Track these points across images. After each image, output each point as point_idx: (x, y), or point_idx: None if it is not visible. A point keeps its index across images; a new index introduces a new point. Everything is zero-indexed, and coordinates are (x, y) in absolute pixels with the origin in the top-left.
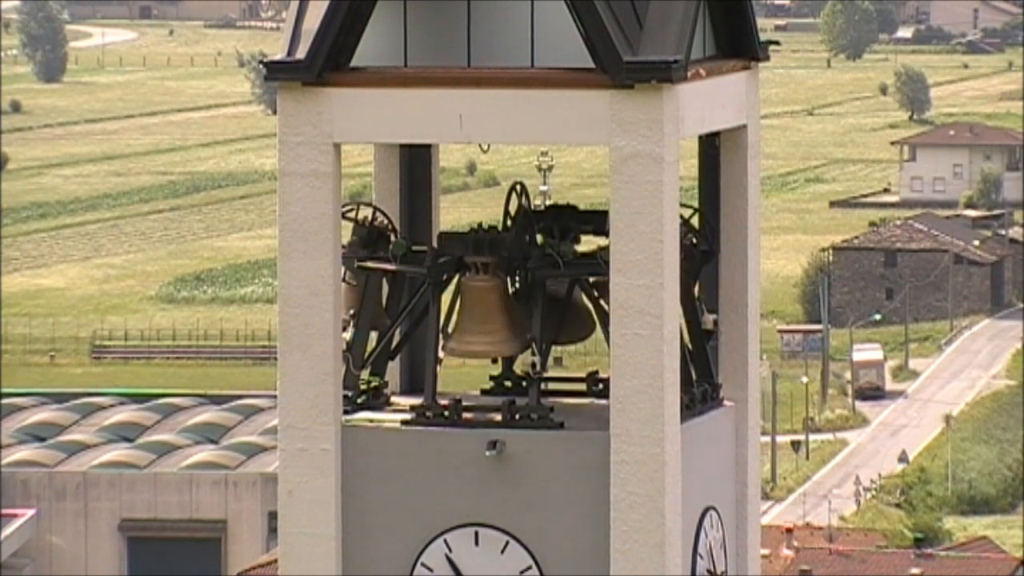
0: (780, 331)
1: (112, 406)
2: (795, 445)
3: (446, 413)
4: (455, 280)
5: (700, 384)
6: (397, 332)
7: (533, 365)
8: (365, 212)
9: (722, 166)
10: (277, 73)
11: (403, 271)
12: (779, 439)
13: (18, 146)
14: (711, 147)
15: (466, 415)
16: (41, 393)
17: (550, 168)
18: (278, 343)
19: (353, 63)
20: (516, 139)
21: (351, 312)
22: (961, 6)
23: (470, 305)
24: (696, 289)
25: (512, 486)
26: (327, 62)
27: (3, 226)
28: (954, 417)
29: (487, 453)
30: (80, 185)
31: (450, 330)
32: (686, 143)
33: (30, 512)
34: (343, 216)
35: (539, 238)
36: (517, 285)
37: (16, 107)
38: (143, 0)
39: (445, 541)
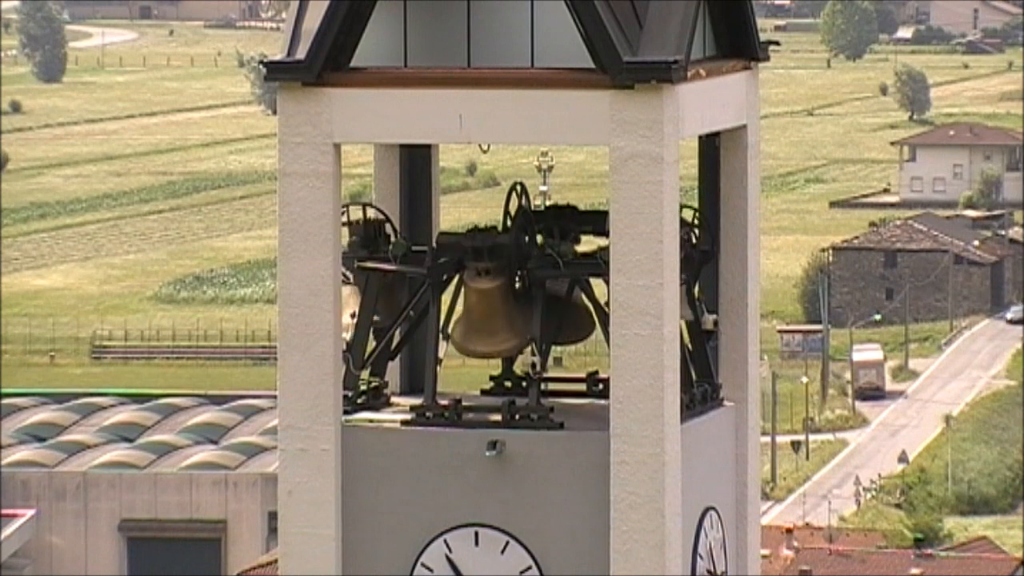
0: (780, 331)
1: (112, 406)
2: (795, 445)
3: (446, 413)
4: (455, 280)
5: (700, 384)
6: (397, 332)
7: (533, 365)
8: (359, 212)
9: (722, 166)
10: (277, 73)
11: (403, 271)
12: (779, 439)
13: (18, 146)
14: (711, 147)
15: (466, 415)
16: (41, 393)
17: (550, 168)
18: (278, 343)
19: (353, 63)
20: (516, 139)
21: (351, 312)
22: (961, 6)
23: (473, 306)
24: (696, 289)
25: (512, 486)
26: (327, 62)
27: (3, 226)
28: (954, 417)
29: (487, 453)
30: (80, 185)
31: (453, 329)
32: (686, 143)
33: (30, 512)
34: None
35: (539, 238)
36: (518, 285)
37: (16, 107)
38: (143, 0)
39: (445, 541)
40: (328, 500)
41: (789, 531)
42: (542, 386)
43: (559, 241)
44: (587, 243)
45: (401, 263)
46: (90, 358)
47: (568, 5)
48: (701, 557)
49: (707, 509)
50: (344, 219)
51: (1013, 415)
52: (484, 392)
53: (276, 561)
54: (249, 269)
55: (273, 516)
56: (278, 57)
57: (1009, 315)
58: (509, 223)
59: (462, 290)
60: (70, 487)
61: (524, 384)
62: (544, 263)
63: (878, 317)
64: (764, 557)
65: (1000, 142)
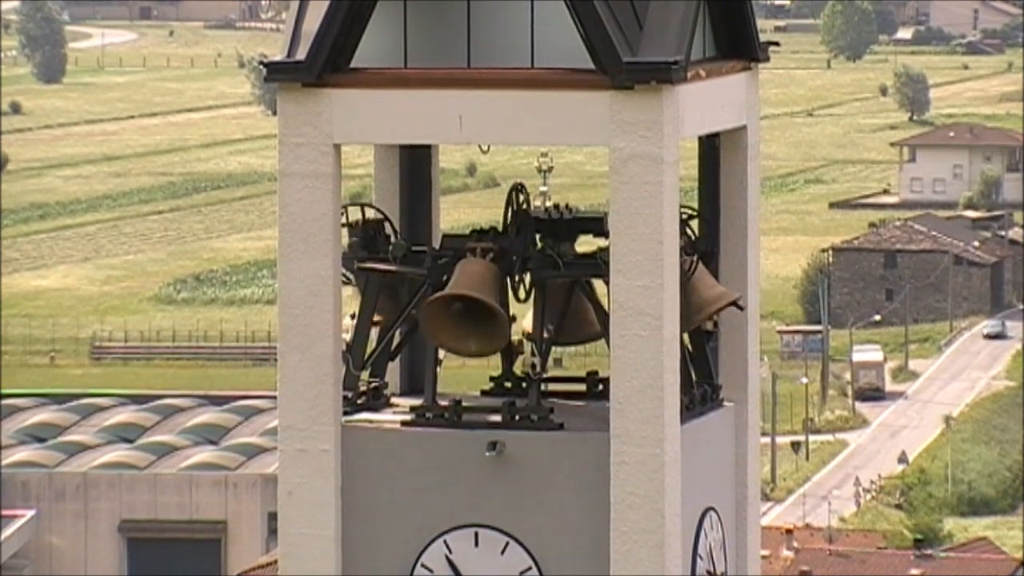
0: (780, 332)
1: (112, 407)
2: (795, 446)
3: (446, 414)
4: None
5: (700, 385)
6: (397, 333)
7: (533, 366)
8: (358, 213)
9: (722, 167)
10: (277, 74)
11: (403, 272)
12: (779, 440)
13: (18, 147)
14: (711, 148)
15: (466, 416)
16: (41, 394)
17: (550, 169)
18: (278, 344)
19: (353, 64)
20: (516, 140)
21: (351, 313)
22: (961, 7)
23: (458, 275)
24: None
25: (512, 487)
26: (327, 63)
27: (3, 227)
28: (954, 418)
29: (487, 454)
30: (80, 186)
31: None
32: (686, 144)
33: (30, 513)
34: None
35: (538, 239)
36: (519, 288)
37: (16, 108)
38: (143, 1)
39: (445, 542)
40: (328, 501)
41: (789, 532)
42: (542, 387)
43: (557, 242)
44: (585, 243)
45: (401, 264)
46: (90, 359)
47: (568, 6)
48: (701, 558)
49: (707, 510)
50: (344, 220)
51: (1013, 416)
52: (484, 393)
53: (276, 562)
54: (249, 270)
55: (273, 517)
56: (278, 58)
57: (987, 330)
58: (509, 224)
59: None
60: (70, 488)
61: (524, 385)
62: (544, 264)
63: (878, 318)
64: (764, 558)
65: (1000, 143)
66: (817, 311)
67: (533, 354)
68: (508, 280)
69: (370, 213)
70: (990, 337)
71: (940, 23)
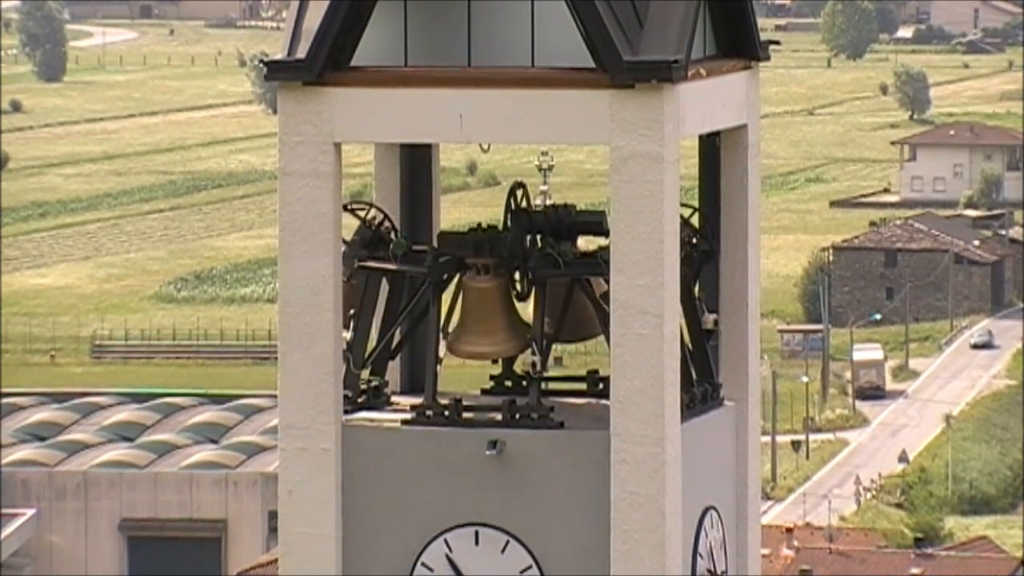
0: (780, 331)
1: (112, 406)
2: (795, 445)
3: (446, 413)
4: (455, 280)
5: (700, 384)
6: (397, 332)
7: (533, 364)
8: (370, 213)
9: (722, 166)
10: (277, 72)
11: (403, 271)
12: (779, 439)
13: (18, 145)
14: (711, 147)
15: (466, 415)
16: (41, 393)
17: (550, 168)
18: (278, 343)
19: (353, 62)
20: (516, 139)
21: (351, 312)
22: (961, 6)
23: (471, 306)
24: (696, 289)
25: (512, 486)
26: (327, 61)
27: (3, 225)
28: (954, 417)
29: (487, 453)
30: (80, 184)
31: (451, 330)
32: (686, 143)
33: (30, 512)
34: (352, 212)
35: (538, 238)
36: (518, 286)
37: (16, 107)
38: None
39: (445, 541)
40: (328, 499)
41: (789, 530)
42: (542, 385)
43: (558, 241)
44: (585, 243)
45: (402, 262)
46: (90, 357)
47: (568, 5)
48: (701, 556)
49: (707, 508)
50: (363, 213)
51: (1013, 414)
52: (484, 391)
53: (276, 561)
54: (249, 268)
55: (273, 515)
56: (278, 56)
57: (974, 340)
58: (509, 223)
59: (460, 292)
60: (70, 486)
61: (524, 383)
62: (544, 263)
63: (878, 317)
64: (764, 556)
65: (1000, 142)
66: (817, 310)
67: (533, 353)
68: (508, 281)
69: (375, 214)
70: (977, 347)
71: (940, 22)
